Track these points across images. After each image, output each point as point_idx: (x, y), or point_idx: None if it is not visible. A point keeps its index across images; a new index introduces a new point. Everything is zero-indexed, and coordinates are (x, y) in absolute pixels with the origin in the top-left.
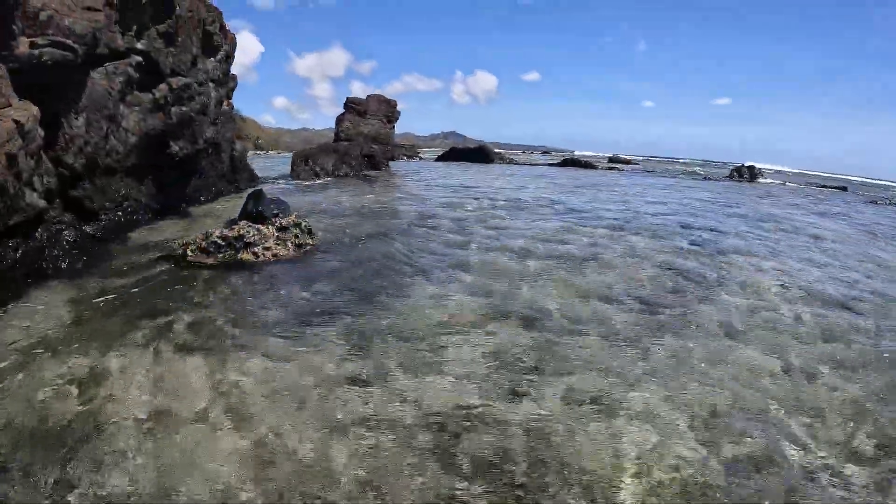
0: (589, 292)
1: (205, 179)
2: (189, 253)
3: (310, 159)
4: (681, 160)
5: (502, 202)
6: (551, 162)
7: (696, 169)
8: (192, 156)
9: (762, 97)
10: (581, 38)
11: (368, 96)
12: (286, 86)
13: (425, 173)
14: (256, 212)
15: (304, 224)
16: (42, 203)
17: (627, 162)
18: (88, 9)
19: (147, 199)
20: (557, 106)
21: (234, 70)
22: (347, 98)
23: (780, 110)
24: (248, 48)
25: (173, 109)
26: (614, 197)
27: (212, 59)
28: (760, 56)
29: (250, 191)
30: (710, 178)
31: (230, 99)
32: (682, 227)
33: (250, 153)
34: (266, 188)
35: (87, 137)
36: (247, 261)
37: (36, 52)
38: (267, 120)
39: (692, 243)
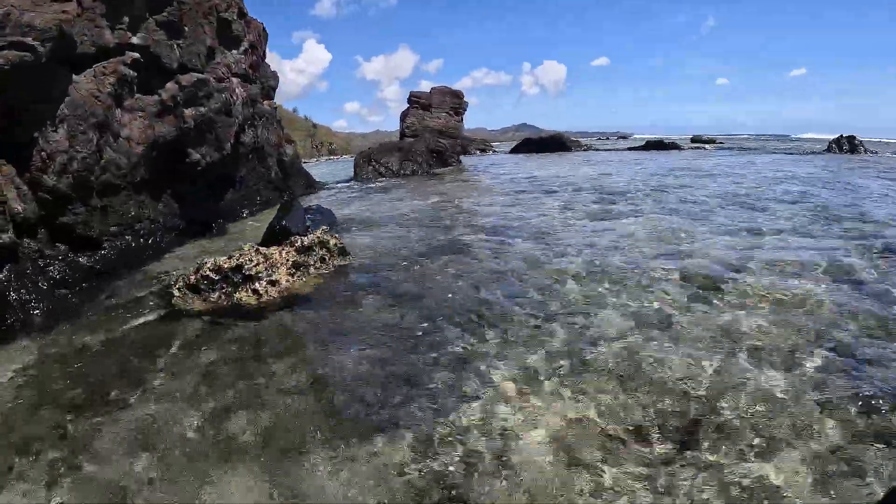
0: None
1: (245, 190)
2: (176, 293)
3: (372, 159)
4: (764, 136)
5: (590, 194)
6: (633, 146)
7: (785, 144)
8: (220, 163)
9: (840, 65)
10: (648, 19)
11: (432, 89)
12: (356, 90)
13: (499, 167)
14: (280, 228)
15: (333, 242)
16: (7, 239)
17: (711, 141)
18: (57, 0)
19: (167, 219)
20: (628, 90)
21: (305, 80)
22: (411, 93)
23: (857, 79)
24: (316, 57)
25: (187, 111)
26: (737, 181)
27: (233, 51)
28: (832, 20)
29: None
30: (812, 153)
31: (270, 98)
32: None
33: (324, 158)
34: (322, 194)
35: (72, 153)
36: (245, 303)
37: None
38: (339, 125)
39: None
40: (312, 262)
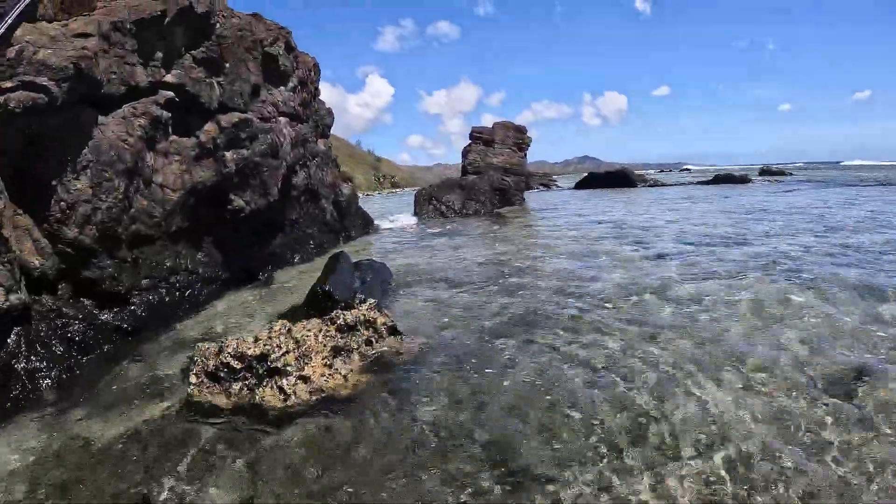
0: None
1: (297, 233)
2: (193, 381)
3: (433, 197)
4: (837, 163)
5: (685, 245)
6: (701, 180)
7: (867, 173)
8: (266, 209)
9: None
10: (706, 47)
11: (494, 124)
12: (419, 124)
13: (566, 207)
14: (323, 293)
15: (381, 321)
16: (15, 300)
17: (781, 173)
18: (79, 35)
19: (207, 269)
20: (690, 119)
21: (369, 114)
22: (472, 128)
23: None
24: (380, 91)
25: (228, 154)
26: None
27: (281, 88)
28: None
29: (344, 248)
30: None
31: (325, 137)
32: None
33: (387, 191)
34: (379, 237)
35: (96, 202)
36: (268, 405)
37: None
38: (403, 158)
39: None
40: (356, 346)
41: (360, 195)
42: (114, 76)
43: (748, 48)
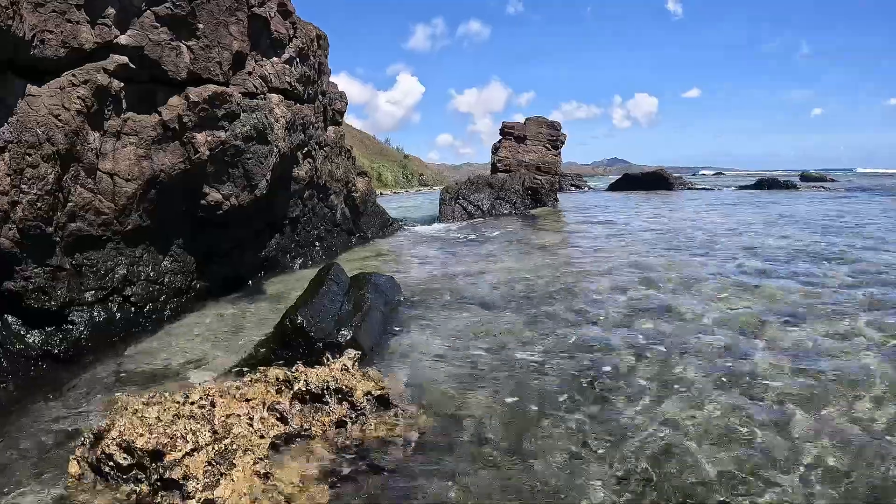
0: None
1: (299, 234)
2: (72, 471)
3: (460, 195)
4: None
5: (746, 256)
6: (742, 184)
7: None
8: (253, 205)
9: None
10: (738, 49)
11: (527, 119)
12: (448, 123)
13: (603, 209)
14: (294, 328)
15: (362, 390)
16: None
17: (823, 178)
18: None
19: (176, 278)
20: (720, 122)
21: (399, 112)
22: (503, 123)
23: None
24: (411, 90)
25: (199, 137)
26: None
27: (274, 59)
28: None
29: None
30: None
31: (337, 123)
32: None
33: (414, 189)
34: (398, 237)
35: (16, 195)
36: None
37: None
38: (431, 157)
39: None
40: (320, 431)
41: (387, 193)
42: (49, 36)
43: (780, 51)
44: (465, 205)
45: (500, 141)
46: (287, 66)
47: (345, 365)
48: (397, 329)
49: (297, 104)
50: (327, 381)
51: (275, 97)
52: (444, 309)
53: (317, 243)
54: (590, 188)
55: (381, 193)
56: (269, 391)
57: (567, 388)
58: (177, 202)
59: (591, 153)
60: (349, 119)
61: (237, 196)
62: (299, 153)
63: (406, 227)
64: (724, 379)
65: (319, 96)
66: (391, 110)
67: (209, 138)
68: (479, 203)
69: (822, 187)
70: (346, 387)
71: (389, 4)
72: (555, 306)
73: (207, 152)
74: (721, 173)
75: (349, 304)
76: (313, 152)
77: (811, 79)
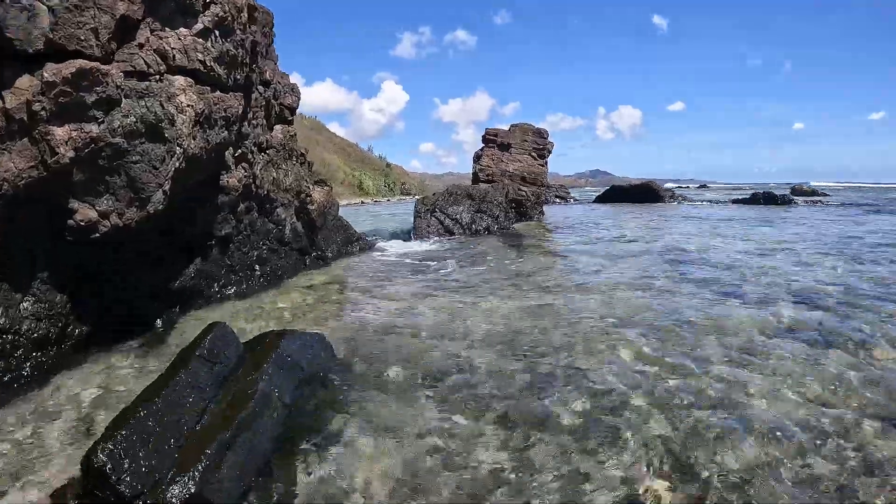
0: None
1: (233, 258)
2: None
3: (437, 208)
4: (866, 184)
5: (787, 291)
6: (735, 198)
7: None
8: (152, 225)
9: None
10: (722, 64)
11: (512, 126)
12: (432, 132)
13: (594, 224)
14: (95, 475)
15: None
16: None
17: (814, 192)
18: None
19: (41, 325)
20: (703, 135)
21: (383, 119)
22: (486, 130)
23: None
24: (395, 98)
25: (59, 132)
26: None
27: (181, 29)
28: None
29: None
30: None
31: (286, 122)
32: None
33: (396, 198)
34: (361, 260)
35: None
36: None
37: None
38: (414, 165)
39: None
40: None
41: (368, 202)
42: None
43: (764, 67)
44: (442, 218)
45: (482, 149)
46: (200, 40)
47: None
48: (306, 444)
49: (217, 92)
50: None
51: (180, 80)
52: (397, 394)
53: (257, 267)
54: (575, 200)
55: (363, 202)
56: None
57: None
58: (37, 222)
59: (575, 164)
60: (333, 127)
61: (120, 213)
62: (229, 156)
63: (375, 244)
64: None
65: (259, 87)
66: (375, 118)
67: (74, 134)
68: (458, 217)
69: (820, 202)
70: None
71: (377, 12)
72: (552, 393)
73: (72, 153)
74: (706, 186)
75: (222, 402)
76: (250, 155)
77: (793, 94)
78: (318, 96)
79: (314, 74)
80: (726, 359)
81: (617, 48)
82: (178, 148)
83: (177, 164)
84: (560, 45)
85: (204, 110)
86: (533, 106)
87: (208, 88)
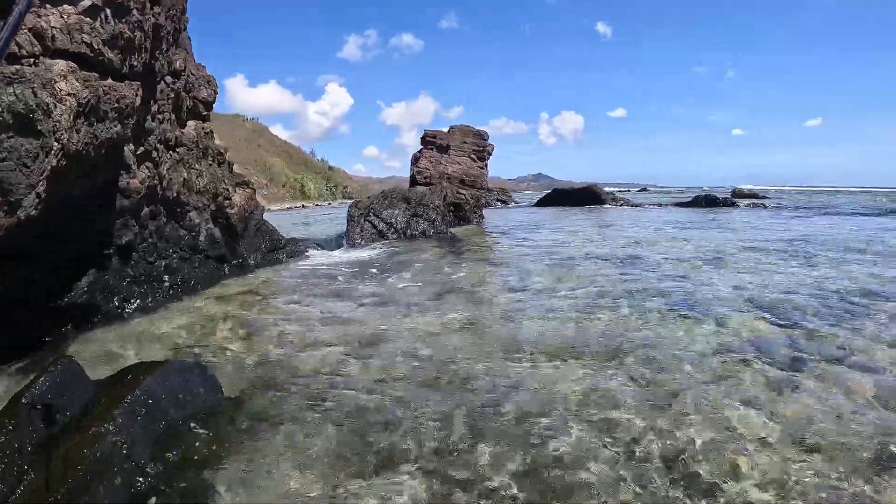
0: None
1: (136, 268)
2: None
3: (371, 213)
4: (801, 188)
5: (770, 311)
6: (678, 201)
7: (850, 199)
8: (27, 233)
9: (854, 115)
10: (666, 71)
11: (451, 127)
12: (376, 135)
13: (535, 228)
14: None
15: None
16: None
17: (755, 196)
18: None
19: None
20: (645, 141)
21: (327, 122)
22: (425, 131)
23: (873, 125)
24: (339, 101)
25: None
26: None
27: (64, 6)
28: (848, 70)
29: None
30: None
31: (200, 118)
32: None
33: (338, 201)
34: (286, 270)
35: None
36: None
37: None
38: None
39: None
40: None
41: (310, 205)
42: None
43: (707, 74)
44: (376, 222)
45: (420, 150)
46: (87, 19)
47: None
48: None
49: (109, 80)
50: None
51: (60, 64)
52: (287, 452)
53: (166, 277)
54: (515, 203)
55: (304, 206)
56: None
57: None
58: None
59: (517, 168)
60: (276, 129)
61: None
62: (130, 154)
63: (305, 251)
64: None
65: (167, 77)
66: (319, 121)
67: None
68: (393, 221)
69: (763, 205)
70: None
71: (323, 14)
72: (459, 407)
73: None
74: (646, 189)
75: (53, 464)
76: (155, 154)
77: (735, 101)
78: (262, 98)
79: (258, 76)
80: (619, 334)
81: (561, 54)
82: (55, 143)
83: (54, 163)
84: (505, 50)
85: (90, 100)
86: (477, 110)
87: (96, 75)
